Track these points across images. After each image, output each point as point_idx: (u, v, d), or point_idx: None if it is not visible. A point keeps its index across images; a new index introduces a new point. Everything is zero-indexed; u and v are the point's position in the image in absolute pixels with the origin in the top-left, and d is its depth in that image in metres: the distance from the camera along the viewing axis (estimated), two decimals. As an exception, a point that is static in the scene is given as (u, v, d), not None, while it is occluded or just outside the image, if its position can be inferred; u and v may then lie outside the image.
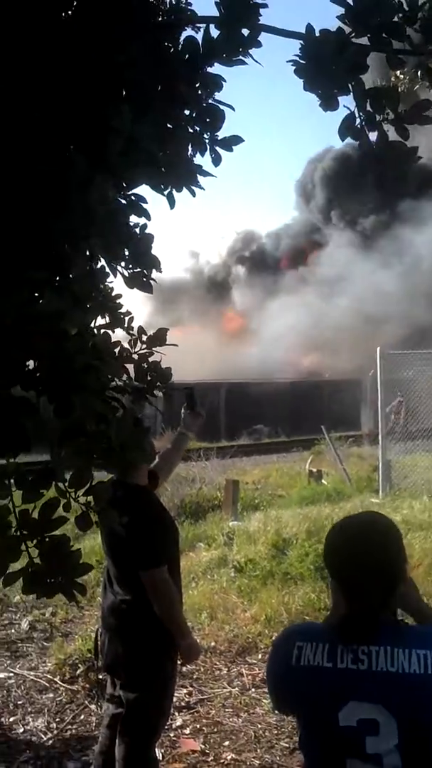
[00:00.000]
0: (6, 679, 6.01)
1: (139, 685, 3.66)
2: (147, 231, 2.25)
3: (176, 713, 5.25)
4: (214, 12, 2.43)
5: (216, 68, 2.29)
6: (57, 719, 5.30)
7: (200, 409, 4.31)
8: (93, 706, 5.43)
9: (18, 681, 5.94)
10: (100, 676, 5.42)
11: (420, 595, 2.21)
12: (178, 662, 3.91)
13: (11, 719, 5.32)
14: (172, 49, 2.34)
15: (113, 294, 2.34)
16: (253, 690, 5.66)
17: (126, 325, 2.35)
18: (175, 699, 5.19)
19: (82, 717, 5.33)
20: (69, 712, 5.39)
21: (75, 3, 2.19)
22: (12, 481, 1.78)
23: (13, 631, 7.02)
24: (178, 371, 2.54)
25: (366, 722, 1.83)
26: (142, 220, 2.27)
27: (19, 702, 5.59)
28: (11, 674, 6.07)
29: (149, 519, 3.72)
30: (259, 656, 6.20)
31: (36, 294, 1.81)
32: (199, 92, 2.25)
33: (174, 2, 2.45)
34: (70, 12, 2.18)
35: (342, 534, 2.06)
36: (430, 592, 6.85)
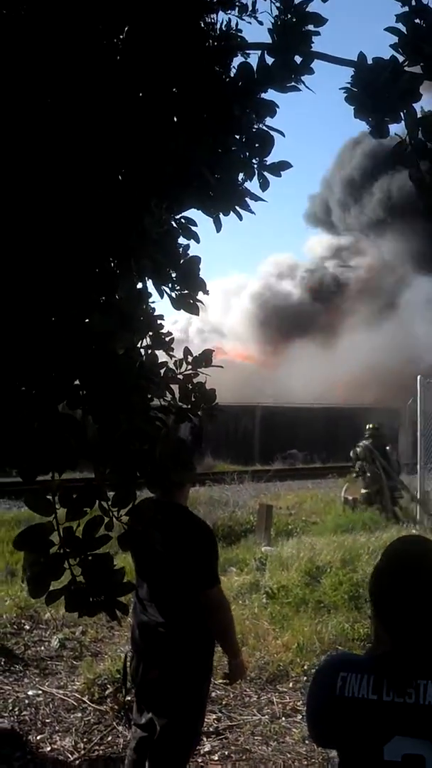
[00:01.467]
0: (35, 696, 5.99)
1: (174, 710, 3.62)
2: (193, 253, 2.28)
3: (205, 739, 5.18)
4: (266, 39, 2.48)
5: (269, 94, 2.31)
6: (84, 739, 5.26)
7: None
8: (121, 728, 5.38)
9: (47, 699, 5.92)
10: (128, 698, 5.39)
11: None
12: (218, 682, 3.88)
13: (39, 737, 5.29)
14: (224, 75, 2.37)
15: (155, 314, 2.36)
16: (283, 719, 5.57)
17: (167, 344, 2.37)
18: (204, 724, 5.15)
19: (109, 738, 5.28)
20: (96, 733, 5.35)
21: (126, 29, 2.24)
22: (56, 498, 1.79)
23: (42, 648, 7.01)
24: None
25: (411, 758, 1.78)
26: (187, 242, 2.31)
27: (47, 720, 5.56)
28: (40, 692, 6.05)
29: (208, 538, 3.73)
30: (290, 684, 6.11)
31: (84, 313, 1.84)
32: (252, 117, 2.27)
33: (224, 29, 2.49)
34: (121, 37, 2.23)
35: (390, 563, 1.98)
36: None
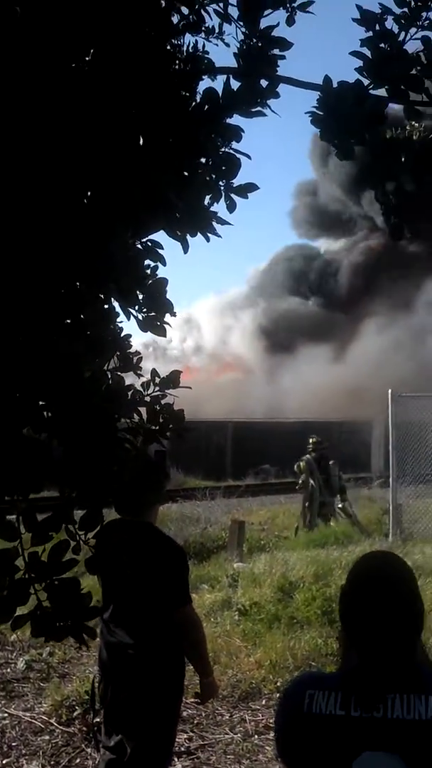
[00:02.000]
0: (0, 719, 5.91)
1: (145, 732, 3.59)
2: (160, 275, 2.28)
3: (176, 759, 5.13)
4: (232, 63, 2.50)
5: (235, 119, 2.33)
6: (52, 762, 5.18)
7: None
8: (89, 750, 5.31)
9: (13, 722, 5.83)
10: (97, 720, 5.32)
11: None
12: (190, 701, 3.86)
13: (5, 761, 5.21)
14: (190, 99, 2.39)
15: (122, 335, 2.36)
16: (255, 737, 5.55)
17: (135, 365, 2.36)
18: (175, 744, 5.11)
19: (78, 761, 5.21)
20: (65, 755, 5.27)
21: (92, 51, 2.25)
22: (21, 522, 1.78)
23: (9, 670, 6.91)
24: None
25: None
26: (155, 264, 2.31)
27: (14, 744, 5.48)
28: (5, 715, 5.96)
29: (179, 556, 3.73)
30: (263, 702, 6.09)
31: (50, 335, 1.84)
32: (218, 142, 2.29)
33: (191, 51, 2.51)
34: (87, 59, 2.24)
35: (356, 580, 1.98)
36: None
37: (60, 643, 7.00)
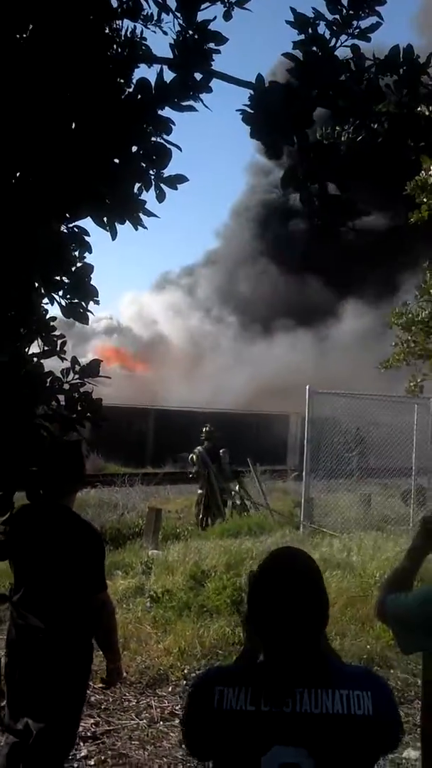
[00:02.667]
0: None
1: (52, 715, 3.58)
2: (87, 262, 2.28)
3: (81, 743, 5.13)
4: (168, 54, 2.51)
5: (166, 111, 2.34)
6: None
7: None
8: (-2, 734, 5.27)
9: None
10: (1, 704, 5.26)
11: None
12: (96, 686, 3.87)
13: None
14: (125, 86, 2.38)
15: (47, 317, 2.34)
16: (161, 723, 5.59)
17: (59, 350, 2.35)
18: (81, 729, 5.09)
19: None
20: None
21: (30, 28, 2.22)
22: None
23: None
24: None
25: (288, 767, 1.82)
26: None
27: None
28: None
29: (96, 541, 3.72)
30: (170, 689, 6.13)
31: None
32: (148, 131, 2.29)
33: (129, 36, 2.50)
34: (24, 35, 2.21)
35: (263, 576, 2.01)
36: (344, 631, 6.94)
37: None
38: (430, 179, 8.39)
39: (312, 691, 1.86)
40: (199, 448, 14.70)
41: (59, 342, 2.36)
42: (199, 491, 14.35)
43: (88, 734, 5.33)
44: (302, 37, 2.52)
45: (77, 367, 2.27)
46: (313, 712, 1.84)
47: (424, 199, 8.74)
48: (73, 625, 3.58)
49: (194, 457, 14.66)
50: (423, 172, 8.39)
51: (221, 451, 14.72)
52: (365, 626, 7.09)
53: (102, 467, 22.53)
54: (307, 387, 12.90)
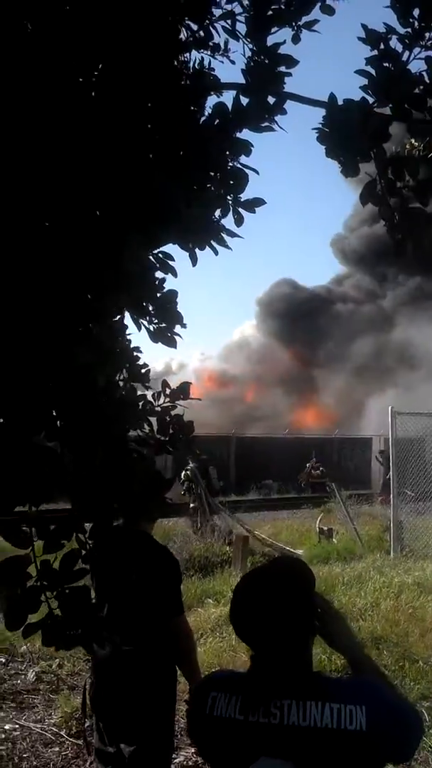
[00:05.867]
0: (11, 731, 5.86)
1: (142, 737, 3.59)
2: (170, 287, 2.32)
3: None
4: (236, 79, 2.55)
5: (244, 134, 2.37)
6: (62, 774, 5.17)
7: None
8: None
9: (23, 733, 5.80)
10: (87, 724, 5.28)
11: (356, 641, 2.17)
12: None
13: (16, 773, 5.19)
14: (198, 114, 2.43)
15: (132, 347, 2.38)
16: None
17: (144, 376, 2.39)
18: (182, 758, 5.09)
19: (87, 772, 5.20)
20: (74, 767, 5.26)
21: (101, 66, 2.29)
22: (33, 530, 1.80)
23: (19, 681, 6.87)
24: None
25: None
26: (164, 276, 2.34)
27: (25, 755, 5.44)
28: (17, 726, 5.93)
29: (173, 566, 3.76)
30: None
31: (64, 346, 1.86)
32: (227, 156, 2.33)
33: (198, 67, 2.55)
34: (96, 74, 2.28)
35: (243, 584, 1.98)
36: (442, 656, 6.74)
37: (69, 655, 6.99)
38: None
39: (300, 704, 1.80)
40: (190, 465, 15.92)
41: (144, 371, 2.39)
42: (192, 505, 15.37)
43: (190, 764, 5.30)
44: (375, 52, 2.52)
45: (168, 391, 2.31)
46: (300, 725, 1.78)
47: None
48: (154, 648, 3.61)
49: (188, 473, 15.83)
50: None
51: (210, 468, 16.31)
52: (466, 651, 6.86)
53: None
54: (390, 408, 12.70)
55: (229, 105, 2.33)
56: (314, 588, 2.03)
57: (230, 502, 19.17)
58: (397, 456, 12.75)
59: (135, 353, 2.38)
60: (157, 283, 2.26)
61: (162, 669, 3.64)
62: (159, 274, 2.25)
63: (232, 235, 2.35)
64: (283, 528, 16.36)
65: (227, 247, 2.35)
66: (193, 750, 5.13)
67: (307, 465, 27.40)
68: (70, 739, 5.62)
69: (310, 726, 1.77)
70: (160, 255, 2.17)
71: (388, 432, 12.89)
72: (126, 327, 2.27)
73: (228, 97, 2.48)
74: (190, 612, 8.48)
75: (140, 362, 2.41)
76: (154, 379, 2.43)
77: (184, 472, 15.96)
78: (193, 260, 2.41)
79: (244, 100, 2.41)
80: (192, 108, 2.43)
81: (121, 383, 2.15)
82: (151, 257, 2.14)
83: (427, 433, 13.62)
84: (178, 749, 5.08)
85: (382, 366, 42.32)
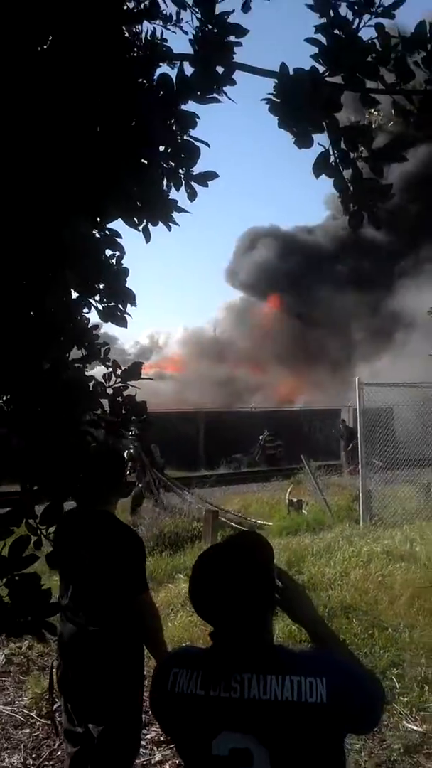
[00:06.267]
0: (-19, 714, 5.86)
1: (111, 716, 3.60)
2: (123, 265, 2.27)
3: (155, 748, 5.14)
4: (188, 50, 2.48)
5: (191, 106, 2.32)
6: (33, 755, 5.15)
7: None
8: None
9: (-6, 716, 5.81)
10: (55, 705, 5.28)
11: (317, 614, 2.18)
12: None
13: (-14, 755, 5.19)
14: (146, 86, 2.37)
15: (90, 326, 2.33)
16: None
17: (102, 357, 2.34)
18: (154, 734, 5.10)
19: (59, 753, 5.17)
20: (46, 748, 5.25)
21: (50, 38, 2.22)
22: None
23: (-12, 664, 6.87)
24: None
25: (238, 752, 1.79)
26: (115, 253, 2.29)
27: (-5, 737, 5.46)
28: (-14, 709, 5.93)
29: (137, 544, 3.74)
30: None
31: (9, 327, 1.81)
32: (174, 129, 2.27)
33: (149, 38, 2.48)
34: (45, 46, 2.21)
35: (197, 564, 1.98)
36: (413, 623, 6.82)
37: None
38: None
39: (261, 677, 1.81)
40: (133, 443, 15.89)
41: (103, 350, 2.35)
42: (138, 484, 15.54)
43: (161, 739, 5.33)
44: (324, 20, 2.47)
45: (118, 371, 2.27)
46: (261, 698, 1.79)
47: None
48: (120, 627, 3.60)
49: (131, 452, 15.84)
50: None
51: (152, 446, 16.06)
52: (435, 616, 6.97)
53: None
54: (356, 378, 12.77)
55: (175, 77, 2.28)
56: (273, 561, 2.03)
57: (199, 477, 19.24)
58: (365, 426, 12.83)
59: (92, 332, 2.34)
60: (108, 261, 2.21)
61: (129, 648, 3.64)
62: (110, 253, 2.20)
63: (181, 210, 2.31)
64: (253, 501, 16.44)
65: (176, 223, 2.30)
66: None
67: (260, 438, 27.56)
68: (41, 720, 5.62)
69: (270, 699, 1.78)
70: (107, 231, 2.12)
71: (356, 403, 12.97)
72: (83, 306, 2.22)
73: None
74: (161, 587, 8.51)
75: (99, 341, 2.37)
76: (137, 355, 2.38)
77: (126, 452, 16.20)
78: (147, 236, 2.36)
79: (191, 71, 2.36)
80: (141, 80, 2.37)
81: (79, 365, 2.10)
82: (98, 234, 2.09)
83: (394, 403, 13.74)
84: (150, 725, 5.10)
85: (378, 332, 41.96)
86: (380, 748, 4.64)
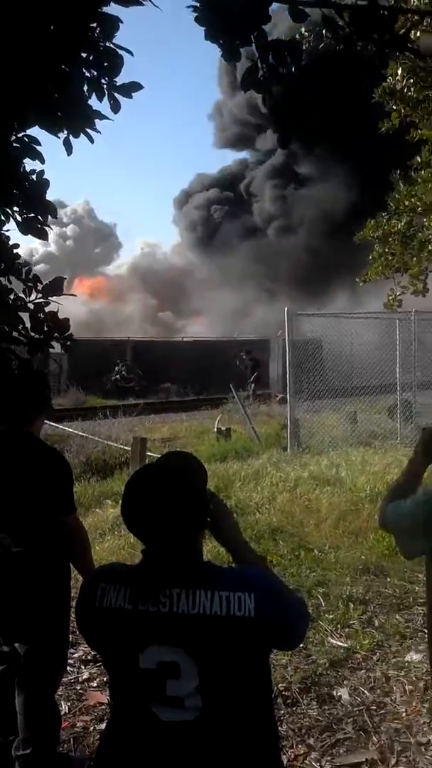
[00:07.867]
0: None
1: (37, 635, 3.64)
2: (44, 177, 2.19)
3: (83, 666, 5.23)
4: None
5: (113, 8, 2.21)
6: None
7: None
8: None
9: None
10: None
11: (242, 537, 2.22)
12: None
13: None
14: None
15: (10, 243, 2.27)
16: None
17: (24, 277, 2.28)
18: (81, 653, 5.20)
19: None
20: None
21: None
22: None
23: None
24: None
25: (166, 665, 1.82)
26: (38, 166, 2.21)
27: None
28: None
29: (62, 466, 3.72)
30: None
31: None
32: (96, 34, 2.17)
33: None
34: None
35: (132, 482, 1.97)
36: (338, 544, 7.08)
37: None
38: (398, 85, 8.11)
39: (190, 592, 1.85)
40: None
41: (24, 270, 2.29)
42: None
43: (89, 657, 5.45)
44: None
45: (39, 286, 2.21)
46: (189, 612, 1.83)
47: (393, 107, 8.49)
48: (46, 547, 3.61)
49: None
50: (390, 78, 8.12)
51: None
52: (358, 538, 7.23)
53: (83, 401, 22.60)
54: (286, 309, 12.84)
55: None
56: (206, 482, 2.06)
57: (127, 405, 19.25)
58: (294, 356, 12.97)
59: (11, 248, 2.27)
60: (34, 174, 2.13)
61: (54, 567, 3.65)
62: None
63: (103, 117, 2.23)
64: (182, 429, 16.60)
65: (98, 131, 2.23)
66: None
67: (115, 368, 27.89)
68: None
69: (199, 613, 1.81)
70: (25, 139, 2.04)
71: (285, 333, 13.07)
72: (3, 222, 2.15)
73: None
74: (89, 512, 8.58)
75: (20, 260, 2.30)
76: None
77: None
78: (68, 148, 2.28)
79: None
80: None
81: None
82: (15, 143, 2.01)
83: (323, 333, 13.91)
84: (77, 645, 5.19)
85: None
86: (306, 663, 4.84)
